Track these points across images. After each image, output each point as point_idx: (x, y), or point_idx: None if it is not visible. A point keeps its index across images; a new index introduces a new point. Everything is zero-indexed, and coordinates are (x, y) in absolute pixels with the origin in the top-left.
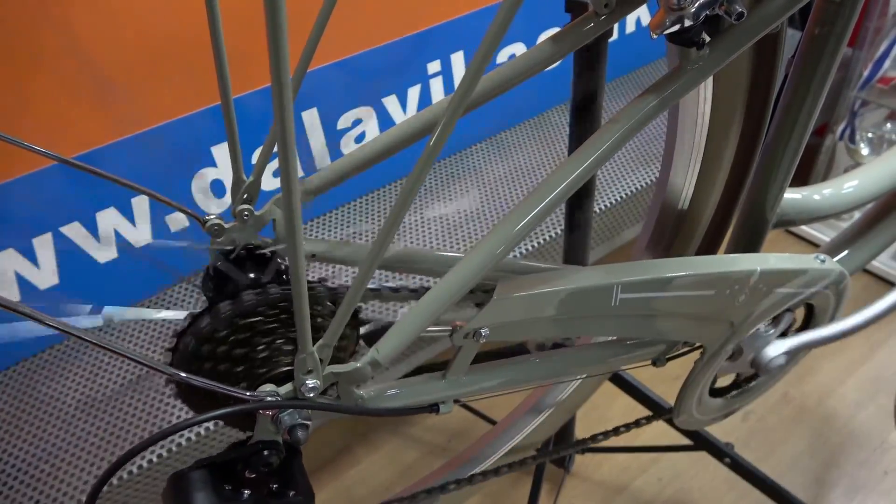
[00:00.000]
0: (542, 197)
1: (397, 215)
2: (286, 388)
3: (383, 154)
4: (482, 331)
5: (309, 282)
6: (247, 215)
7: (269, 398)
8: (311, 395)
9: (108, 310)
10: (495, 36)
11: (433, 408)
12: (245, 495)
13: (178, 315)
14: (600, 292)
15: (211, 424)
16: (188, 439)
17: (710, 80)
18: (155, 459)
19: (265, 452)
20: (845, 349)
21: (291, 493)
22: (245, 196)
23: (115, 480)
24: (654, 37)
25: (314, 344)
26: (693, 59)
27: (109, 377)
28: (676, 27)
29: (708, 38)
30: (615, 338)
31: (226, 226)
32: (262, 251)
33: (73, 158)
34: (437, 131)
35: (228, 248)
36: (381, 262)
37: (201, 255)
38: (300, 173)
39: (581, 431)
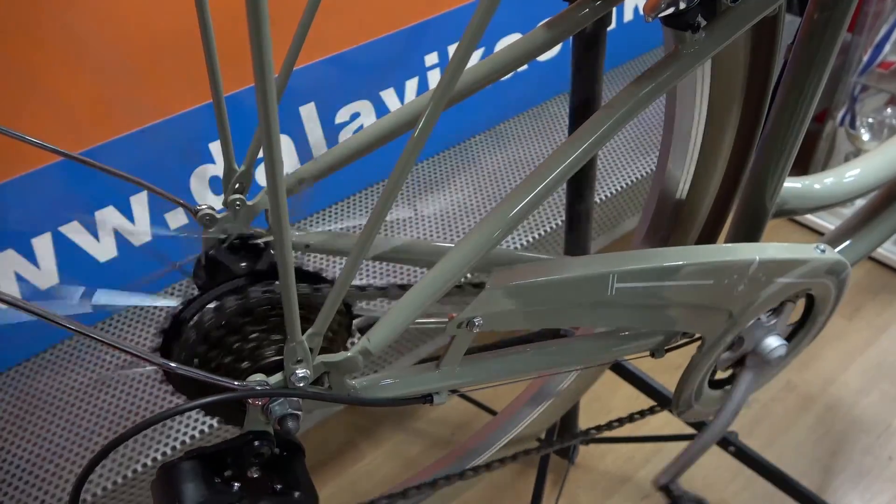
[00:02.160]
0: (536, 184)
1: (384, 204)
2: (276, 378)
3: (377, 143)
4: (475, 320)
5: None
6: (238, 205)
7: (257, 387)
8: (302, 384)
9: (100, 294)
10: (479, 23)
11: (427, 398)
12: (235, 487)
13: (168, 302)
14: (596, 282)
15: (214, 421)
16: (192, 437)
17: (707, 67)
18: (159, 457)
19: (256, 443)
20: (848, 336)
21: (296, 494)
22: (237, 186)
23: (119, 479)
24: (649, 20)
25: (303, 333)
26: (689, 42)
27: (114, 376)
28: (671, 10)
29: (704, 22)
30: (613, 328)
31: (218, 216)
32: (254, 241)
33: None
34: (422, 122)
35: (220, 237)
36: (374, 252)
37: (196, 249)
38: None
39: (584, 422)
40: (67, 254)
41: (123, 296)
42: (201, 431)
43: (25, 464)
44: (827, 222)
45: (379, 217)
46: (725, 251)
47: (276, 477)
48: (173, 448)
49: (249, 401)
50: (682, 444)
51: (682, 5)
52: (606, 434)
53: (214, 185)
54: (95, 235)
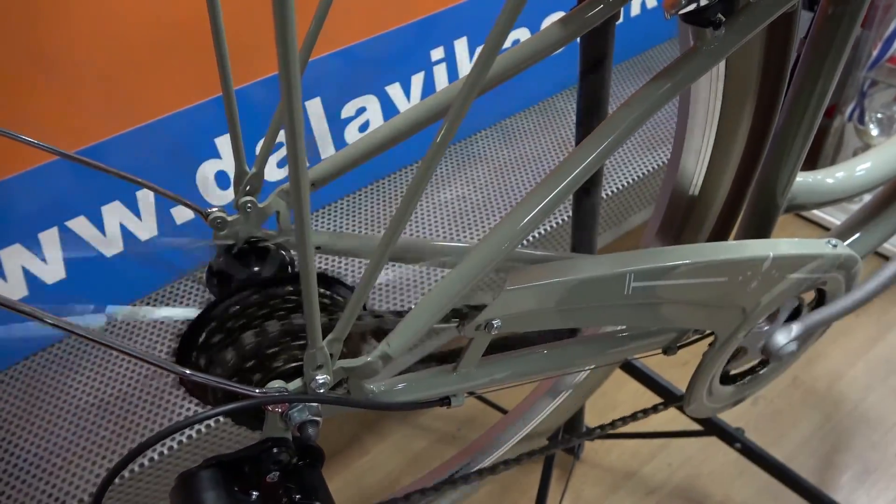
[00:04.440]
0: (553, 187)
1: (409, 204)
2: (295, 384)
3: (387, 144)
4: (494, 322)
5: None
6: (250, 207)
7: (277, 394)
8: (322, 390)
9: (112, 309)
10: (508, 18)
11: (444, 401)
12: (254, 496)
13: (179, 313)
14: (613, 281)
15: (212, 422)
16: (198, 431)
17: (722, 63)
18: (166, 452)
19: (274, 450)
20: (854, 332)
21: None
22: (248, 188)
23: (126, 474)
24: (669, 17)
25: (324, 338)
26: (708, 40)
27: (120, 371)
28: (692, 6)
29: (723, 18)
30: (627, 327)
31: (229, 219)
32: (266, 244)
33: (76, 152)
34: (450, 118)
35: (231, 241)
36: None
37: (205, 249)
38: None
39: (590, 417)
40: (74, 248)
41: (136, 310)
42: (208, 426)
43: (33, 457)
44: (830, 216)
45: (403, 217)
46: (739, 248)
47: (295, 484)
48: (179, 442)
49: (269, 407)
50: (688, 441)
51: (703, 1)
52: (614, 430)
53: (220, 180)
54: (102, 230)
